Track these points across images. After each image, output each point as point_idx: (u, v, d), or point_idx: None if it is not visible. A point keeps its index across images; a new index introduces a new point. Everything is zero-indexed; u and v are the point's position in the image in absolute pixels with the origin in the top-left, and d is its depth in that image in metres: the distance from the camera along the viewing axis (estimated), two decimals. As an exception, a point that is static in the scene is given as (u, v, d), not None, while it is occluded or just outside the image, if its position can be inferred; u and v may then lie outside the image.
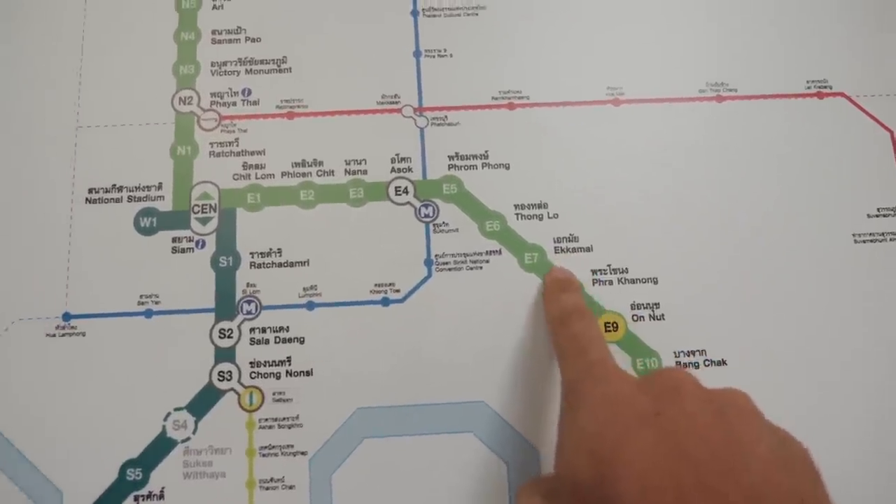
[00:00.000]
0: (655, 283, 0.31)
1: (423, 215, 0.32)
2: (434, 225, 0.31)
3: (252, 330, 0.30)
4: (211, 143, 0.32)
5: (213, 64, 0.33)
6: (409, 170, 0.32)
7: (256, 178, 0.32)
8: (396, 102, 0.33)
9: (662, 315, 0.31)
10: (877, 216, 0.32)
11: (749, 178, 0.32)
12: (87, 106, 0.33)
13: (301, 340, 0.30)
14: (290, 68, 0.33)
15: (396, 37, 0.34)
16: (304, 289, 0.31)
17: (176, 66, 0.33)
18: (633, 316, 0.31)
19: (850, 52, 0.34)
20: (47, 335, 0.30)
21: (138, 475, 0.28)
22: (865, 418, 0.30)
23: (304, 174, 0.32)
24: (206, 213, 0.31)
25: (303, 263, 0.31)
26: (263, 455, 0.29)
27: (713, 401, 0.22)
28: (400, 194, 0.32)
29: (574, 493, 0.22)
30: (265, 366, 0.30)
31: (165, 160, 0.32)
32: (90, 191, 0.32)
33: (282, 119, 0.33)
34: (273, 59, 0.33)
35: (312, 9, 0.34)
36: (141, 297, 0.30)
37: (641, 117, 0.33)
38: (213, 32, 0.34)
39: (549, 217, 0.32)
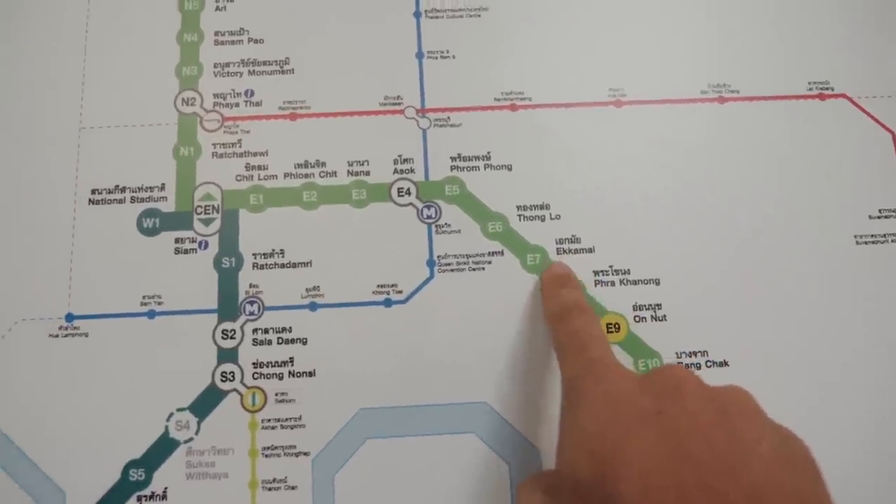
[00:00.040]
0: (657, 284, 0.31)
1: (425, 216, 0.32)
2: (436, 226, 0.31)
3: (255, 331, 0.30)
4: (214, 144, 0.32)
5: (215, 65, 0.33)
6: (412, 171, 0.32)
7: (259, 180, 0.32)
8: (399, 104, 0.33)
9: (664, 316, 0.31)
10: (878, 217, 0.32)
11: (751, 179, 0.32)
12: (90, 107, 0.33)
13: (304, 341, 0.30)
14: (293, 69, 0.33)
15: (399, 38, 0.34)
16: (307, 290, 0.31)
17: (179, 67, 0.33)
18: (634, 317, 0.31)
19: (852, 54, 0.34)
20: (50, 336, 0.30)
21: (141, 476, 0.28)
22: (866, 419, 0.30)
23: (306, 175, 0.32)
24: (208, 213, 0.31)
25: (305, 264, 0.31)
26: (266, 455, 0.29)
27: (715, 399, 0.22)
28: (402, 195, 0.32)
29: (575, 490, 0.22)
30: (268, 366, 0.30)
31: (168, 161, 0.32)
32: (93, 191, 0.32)
33: (284, 120, 0.33)
34: (276, 61, 0.33)
35: (315, 10, 0.34)
36: (144, 297, 0.30)
37: (643, 118, 0.33)
38: (216, 34, 0.34)
39: (551, 218, 0.32)
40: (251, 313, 0.30)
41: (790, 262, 0.31)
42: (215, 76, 0.33)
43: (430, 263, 0.31)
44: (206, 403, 0.29)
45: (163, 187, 0.32)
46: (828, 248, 0.32)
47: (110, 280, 0.31)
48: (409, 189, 0.32)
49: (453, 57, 0.34)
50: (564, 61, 0.34)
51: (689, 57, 0.34)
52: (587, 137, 0.33)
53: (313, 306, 0.30)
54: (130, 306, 0.30)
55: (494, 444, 0.29)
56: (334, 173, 0.32)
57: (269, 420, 0.29)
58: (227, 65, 0.33)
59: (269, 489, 0.28)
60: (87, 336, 0.30)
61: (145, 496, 0.28)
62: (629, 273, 0.31)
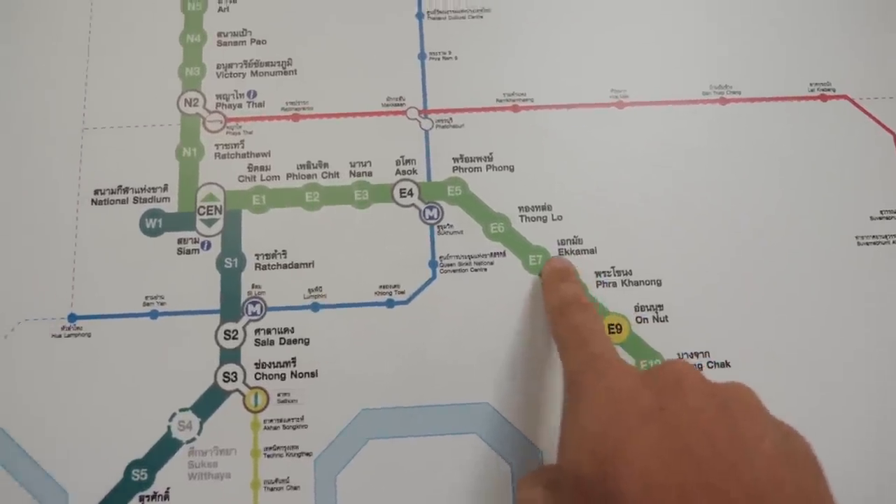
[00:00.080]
0: (659, 284, 0.31)
1: (427, 217, 0.32)
2: (438, 227, 0.32)
3: (257, 331, 0.30)
4: (216, 145, 0.32)
5: (218, 66, 0.33)
6: (414, 172, 0.32)
7: (262, 180, 0.32)
8: (401, 104, 0.33)
9: (666, 317, 0.31)
10: (880, 218, 0.32)
11: (752, 180, 0.32)
12: (93, 107, 0.33)
13: (306, 342, 0.30)
14: (296, 70, 0.33)
15: (401, 39, 0.34)
16: (309, 290, 0.31)
17: (182, 67, 0.33)
18: (636, 318, 0.31)
19: (854, 55, 0.34)
20: (53, 336, 0.30)
21: (143, 476, 0.29)
22: (868, 419, 0.30)
23: (309, 176, 0.32)
24: (211, 214, 0.31)
25: (308, 265, 0.31)
26: (268, 456, 0.29)
27: (716, 395, 0.22)
28: (405, 196, 0.32)
29: (576, 486, 0.21)
30: (270, 367, 0.30)
31: (171, 162, 0.32)
32: (96, 192, 0.32)
33: (287, 121, 0.33)
34: (278, 62, 0.34)
35: (317, 11, 0.34)
36: (146, 298, 0.30)
37: (645, 120, 0.33)
38: (219, 34, 0.34)
39: (553, 219, 0.32)
40: (253, 314, 0.30)
41: (791, 263, 0.31)
42: (218, 77, 0.33)
43: (433, 264, 0.31)
44: (208, 404, 0.29)
45: (165, 188, 0.32)
46: (829, 248, 0.32)
47: (113, 280, 0.31)
48: (411, 190, 0.32)
49: (455, 58, 0.34)
50: (566, 62, 0.34)
51: (691, 58, 0.34)
52: (589, 138, 0.33)
53: (315, 307, 0.30)
54: (133, 307, 0.30)
55: (496, 444, 0.29)
56: (336, 174, 0.32)
57: (271, 420, 0.29)
58: (230, 66, 0.33)
59: (272, 489, 0.28)
60: (89, 336, 0.30)
61: (148, 496, 0.28)
62: (631, 274, 0.31)
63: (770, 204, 0.32)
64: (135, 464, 0.29)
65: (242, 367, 0.30)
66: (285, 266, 0.31)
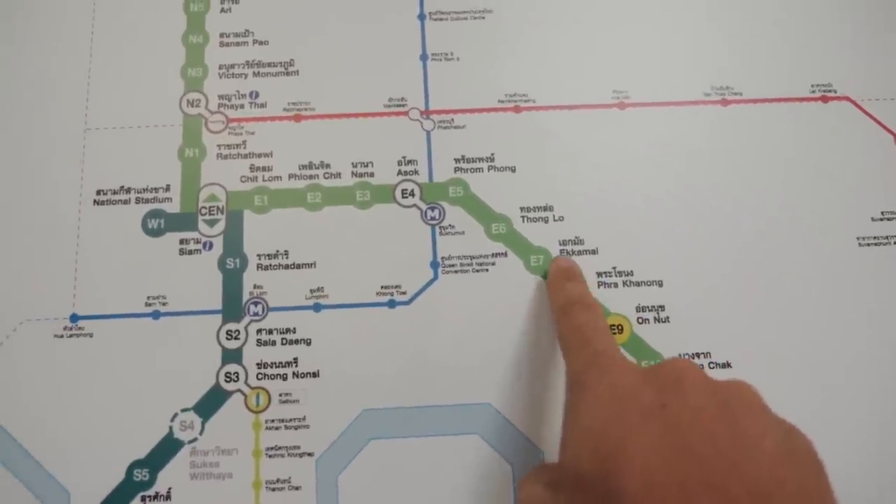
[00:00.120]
0: (660, 285, 0.31)
1: (429, 218, 0.32)
2: (440, 227, 0.32)
3: (259, 331, 0.30)
4: (218, 146, 0.32)
5: (220, 66, 0.34)
6: (416, 172, 0.32)
7: (264, 181, 0.32)
8: (403, 105, 0.33)
9: (667, 317, 0.31)
10: (881, 220, 0.32)
11: (754, 181, 0.32)
12: (95, 108, 0.33)
13: (308, 342, 0.30)
14: (298, 71, 0.33)
15: (403, 40, 0.34)
16: (311, 290, 0.31)
17: (184, 68, 0.33)
18: (638, 318, 0.31)
19: (855, 56, 0.34)
20: (55, 336, 0.30)
21: (145, 476, 0.29)
22: (869, 420, 0.30)
23: (311, 176, 0.32)
24: (213, 214, 0.32)
25: (309, 265, 0.31)
26: (270, 456, 0.29)
27: (718, 393, 0.22)
28: (406, 197, 0.32)
29: (577, 484, 0.22)
30: (272, 367, 0.30)
31: (173, 162, 0.32)
32: (98, 192, 0.32)
33: (289, 121, 0.33)
34: (280, 62, 0.34)
35: (319, 12, 0.34)
36: (148, 298, 0.30)
37: (647, 121, 0.33)
38: (221, 35, 0.34)
39: (554, 220, 0.32)
40: (255, 314, 0.30)
41: (793, 264, 0.31)
42: (220, 77, 0.33)
43: (434, 265, 0.31)
44: (210, 404, 0.29)
45: (168, 188, 0.32)
46: (830, 249, 0.32)
47: (115, 281, 0.31)
48: (412, 190, 0.32)
49: (457, 59, 0.34)
50: (568, 63, 0.34)
51: (693, 59, 0.34)
52: (591, 139, 0.33)
53: (317, 307, 0.30)
54: (135, 307, 0.30)
55: (497, 445, 0.29)
56: (338, 175, 0.32)
57: (273, 420, 0.29)
58: (232, 66, 0.34)
59: (273, 489, 0.29)
60: (91, 336, 0.30)
61: (149, 496, 0.28)
62: (632, 274, 0.31)
63: (771, 205, 0.32)
64: (136, 464, 0.29)
65: (244, 368, 0.30)
66: (287, 266, 0.31)
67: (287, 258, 0.31)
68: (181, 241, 0.31)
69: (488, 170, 0.32)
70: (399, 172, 0.32)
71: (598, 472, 0.21)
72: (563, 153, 0.33)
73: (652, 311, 0.31)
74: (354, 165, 0.32)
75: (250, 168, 0.32)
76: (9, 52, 0.33)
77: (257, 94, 0.33)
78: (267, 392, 0.30)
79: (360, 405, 0.29)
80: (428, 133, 0.33)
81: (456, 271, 0.31)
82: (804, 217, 0.32)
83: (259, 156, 0.32)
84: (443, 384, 0.30)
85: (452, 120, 0.33)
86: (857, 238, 0.32)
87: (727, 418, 0.21)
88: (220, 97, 0.33)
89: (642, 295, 0.31)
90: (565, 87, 0.33)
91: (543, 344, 0.30)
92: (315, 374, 0.30)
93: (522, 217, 0.32)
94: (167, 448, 0.29)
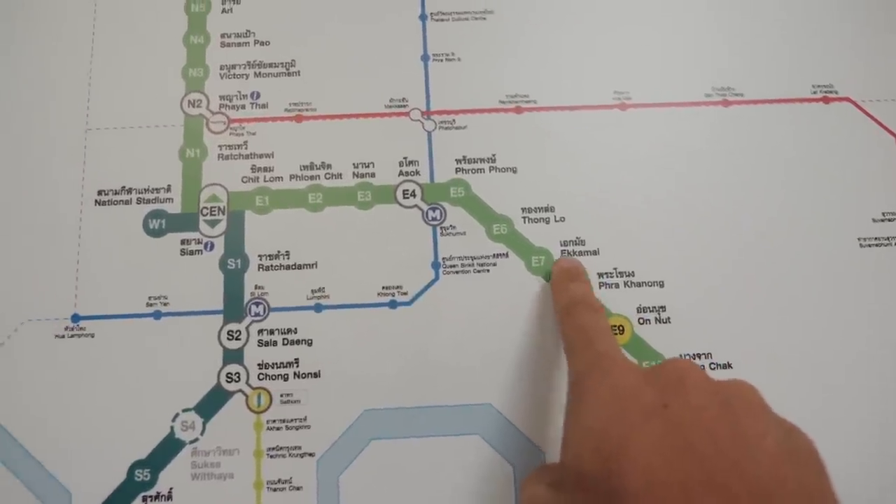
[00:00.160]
0: (661, 286, 0.31)
1: (430, 218, 0.32)
2: (441, 228, 0.32)
3: (260, 332, 0.30)
4: (220, 146, 0.32)
5: (221, 67, 0.34)
6: (417, 173, 0.32)
7: (265, 181, 0.32)
8: (404, 106, 0.33)
9: (668, 318, 0.31)
10: (882, 220, 0.32)
11: (755, 182, 0.32)
12: (97, 108, 0.33)
13: (309, 342, 0.30)
14: (299, 71, 0.33)
15: (404, 40, 0.34)
16: (312, 291, 0.31)
17: (185, 69, 0.33)
18: (639, 319, 0.31)
19: (856, 57, 0.34)
20: (56, 336, 0.30)
21: (146, 476, 0.29)
22: (870, 421, 0.30)
23: (312, 177, 0.32)
24: (214, 215, 0.32)
25: (311, 266, 0.31)
26: (271, 456, 0.29)
27: (719, 392, 0.22)
28: (407, 197, 0.32)
29: (579, 484, 0.22)
30: (273, 367, 0.30)
31: (174, 162, 0.32)
32: (99, 192, 0.32)
33: (290, 122, 0.33)
34: (282, 63, 0.34)
35: (320, 12, 0.34)
36: (149, 298, 0.30)
37: (648, 121, 0.33)
38: (223, 36, 0.34)
39: (555, 220, 0.32)
40: (257, 314, 0.30)
41: (794, 265, 0.31)
42: (221, 78, 0.33)
43: (435, 265, 0.31)
44: (211, 404, 0.29)
45: (169, 189, 0.32)
46: (831, 250, 0.32)
47: (116, 281, 0.31)
48: (414, 191, 0.32)
49: (458, 59, 0.34)
50: (569, 64, 0.34)
51: (694, 60, 0.34)
52: (592, 140, 0.33)
53: (318, 307, 0.31)
54: (136, 307, 0.30)
55: (498, 445, 0.29)
56: (340, 175, 0.32)
57: (274, 421, 0.29)
58: (234, 67, 0.34)
59: (274, 490, 0.29)
60: (92, 337, 0.30)
61: (151, 496, 0.28)
62: (633, 275, 0.31)
63: (772, 206, 0.32)
64: (138, 464, 0.29)
65: (245, 368, 0.30)
66: (288, 267, 0.31)
67: (288, 258, 0.31)
68: (182, 242, 0.31)
69: (489, 170, 0.32)
70: (400, 173, 0.32)
71: (599, 471, 0.21)
72: (565, 154, 0.33)
73: (653, 311, 0.31)
74: (356, 166, 0.32)
75: (251, 168, 0.32)
76: (10, 52, 0.33)
77: (258, 95, 0.33)
78: (268, 392, 0.30)
79: (361, 405, 0.29)
80: (429, 133, 0.33)
81: (457, 272, 0.31)
82: (805, 218, 0.32)
83: (260, 156, 0.32)
84: (444, 384, 0.30)
85: (454, 120, 0.33)
86: (858, 239, 0.32)
87: (728, 418, 0.21)
88: (222, 98, 0.33)
89: (643, 295, 0.31)
90: (566, 87, 0.33)
91: (545, 344, 0.30)
92: (316, 375, 0.30)
93: (524, 218, 0.32)
94: (168, 448, 0.29)
